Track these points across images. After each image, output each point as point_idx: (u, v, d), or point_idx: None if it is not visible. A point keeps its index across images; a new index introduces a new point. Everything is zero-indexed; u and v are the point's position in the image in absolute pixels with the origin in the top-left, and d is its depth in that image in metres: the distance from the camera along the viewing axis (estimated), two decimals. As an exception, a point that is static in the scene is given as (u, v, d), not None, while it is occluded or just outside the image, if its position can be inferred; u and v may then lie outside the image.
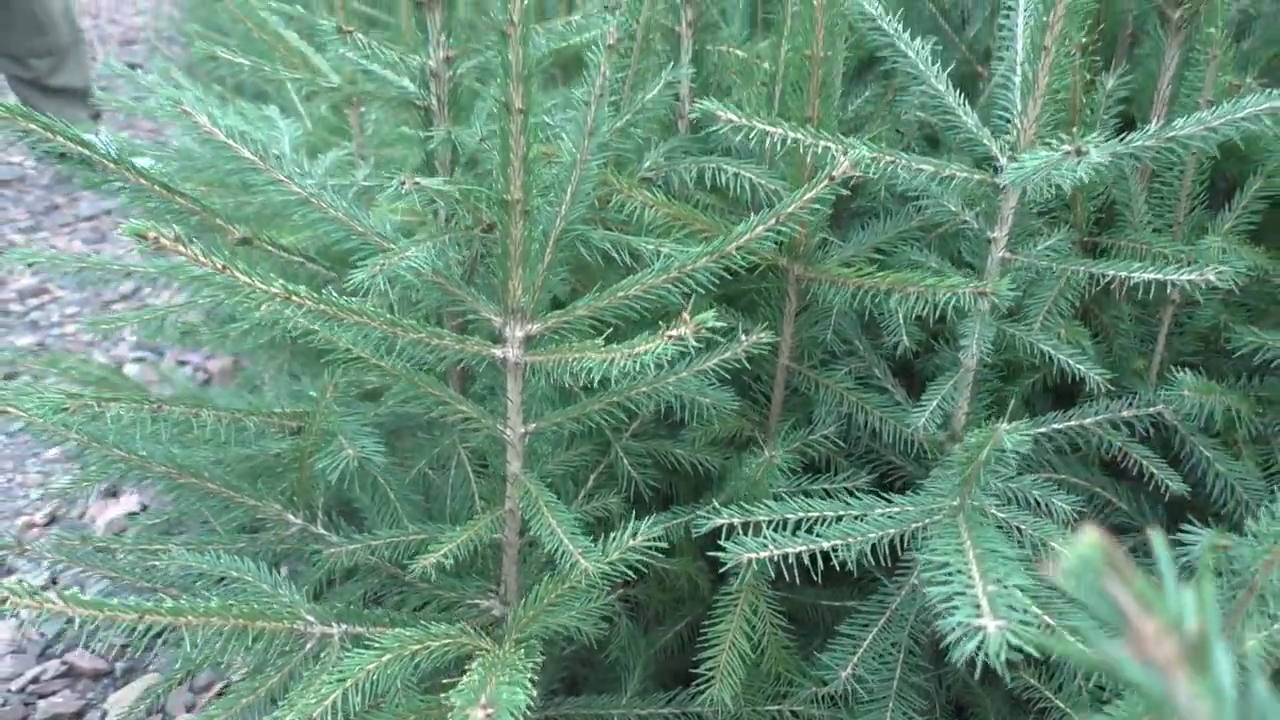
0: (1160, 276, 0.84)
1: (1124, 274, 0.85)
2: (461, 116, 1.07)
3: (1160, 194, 1.11)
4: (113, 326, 1.39)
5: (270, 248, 1.02)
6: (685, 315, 0.67)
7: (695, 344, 0.68)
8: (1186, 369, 1.02)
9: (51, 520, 2.14)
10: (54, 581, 1.95)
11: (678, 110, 1.17)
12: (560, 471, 1.04)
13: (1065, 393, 1.17)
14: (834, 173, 0.80)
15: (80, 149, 0.88)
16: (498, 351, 0.88)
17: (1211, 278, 0.82)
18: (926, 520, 0.81)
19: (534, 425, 0.94)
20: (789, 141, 0.84)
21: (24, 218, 3.58)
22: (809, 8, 0.93)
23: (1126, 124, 1.22)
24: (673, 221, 0.98)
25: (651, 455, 1.09)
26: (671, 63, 1.05)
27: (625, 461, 1.07)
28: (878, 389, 1.08)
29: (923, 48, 0.98)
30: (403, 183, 0.77)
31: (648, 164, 1.06)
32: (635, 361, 0.71)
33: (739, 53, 1.13)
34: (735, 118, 0.83)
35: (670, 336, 0.68)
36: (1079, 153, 0.65)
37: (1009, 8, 1.04)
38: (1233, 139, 0.86)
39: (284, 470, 1.05)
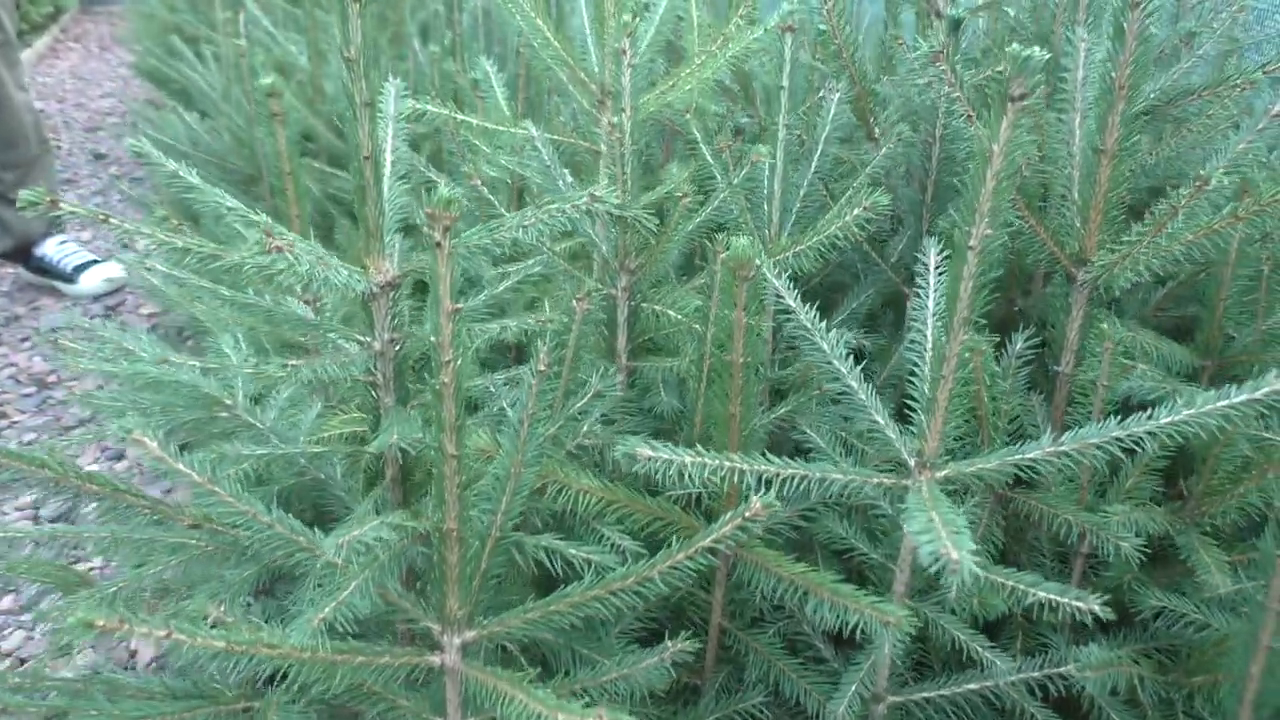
0: (1047, 597, 0.90)
1: (1021, 587, 0.92)
2: (405, 381, 1.12)
3: (1071, 417, 1.18)
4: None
5: (219, 528, 1.06)
6: (602, 711, 0.72)
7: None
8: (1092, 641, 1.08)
9: (22, 663, 2.15)
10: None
11: (617, 362, 1.23)
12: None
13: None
14: (746, 514, 0.86)
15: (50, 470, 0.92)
16: (435, 659, 0.93)
17: (1095, 609, 0.88)
18: (840, 832, 0.87)
19: None
20: (708, 470, 0.90)
21: (-17, 329, 3.59)
22: (728, 302, 0.99)
23: (1040, 363, 1.29)
24: (607, 506, 1.04)
25: (590, 710, 1.13)
26: (603, 369, 1.11)
27: None
28: (806, 646, 1.13)
29: (836, 343, 1.04)
30: (341, 544, 0.82)
31: (585, 430, 1.12)
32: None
33: (672, 314, 1.20)
34: (654, 454, 0.89)
35: (590, 714, 0.73)
36: (953, 570, 0.71)
37: (920, 289, 1.11)
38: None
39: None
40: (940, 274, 1.12)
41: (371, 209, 1.05)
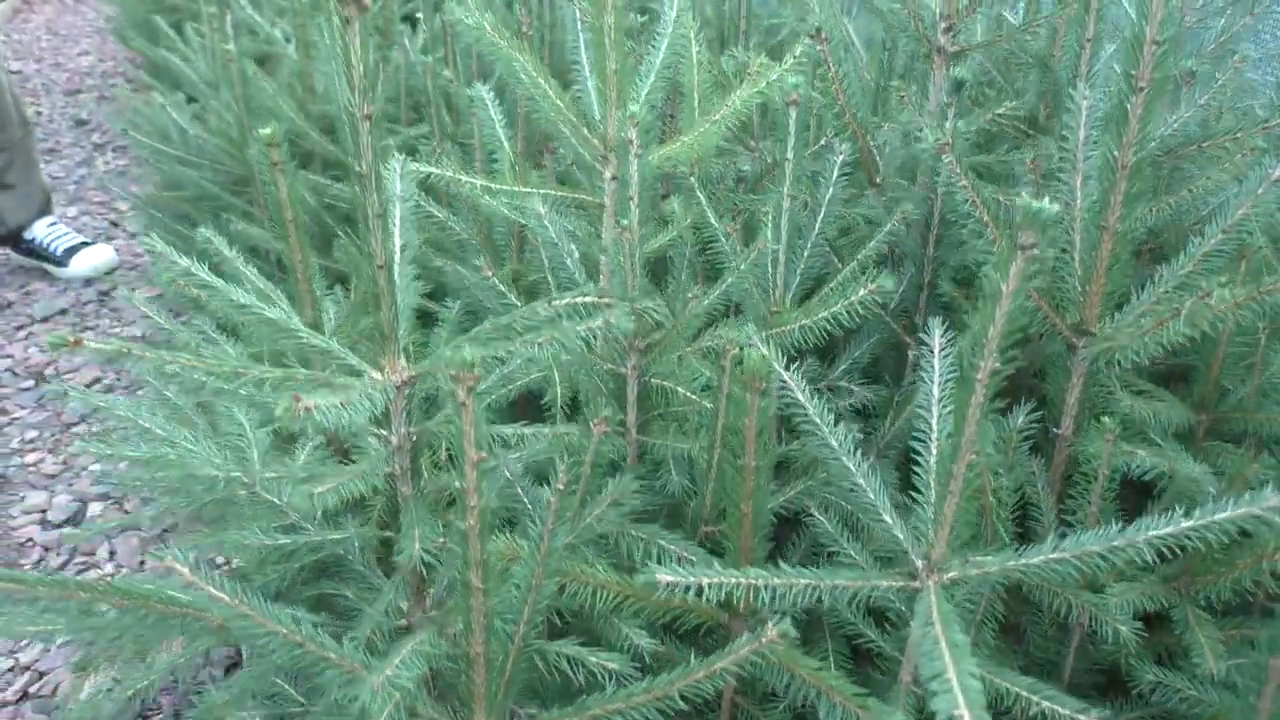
0: (1051, 707, 0.94)
1: (1025, 694, 0.96)
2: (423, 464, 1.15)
3: (1072, 499, 1.21)
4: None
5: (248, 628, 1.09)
6: None
7: None
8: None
9: (24, 696, 2.19)
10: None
11: (627, 436, 1.26)
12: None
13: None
14: (763, 639, 0.89)
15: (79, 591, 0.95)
16: (464, 768, 0.97)
17: (1096, 723, 0.93)
18: None
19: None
20: (725, 589, 0.93)
21: (-24, 317, 3.56)
22: (739, 411, 1.02)
23: (1043, 433, 1.31)
24: (623, 600, 1.07)
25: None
26: (618, 475, 1.13)
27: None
28: None
29: (845, 438, 1.07)
30: (375, 686, 0.85)
31: (596, 513, 1.15)
32: None
33: (682, 390, 1.22)
34: (675, 578, 0.92)
35: None
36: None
37: (924, 373, 1.13)
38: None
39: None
40: (945, 356, 1.14)
41: (386, 313, 1.06)
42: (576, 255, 1.23)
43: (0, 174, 3.67)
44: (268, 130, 1.46)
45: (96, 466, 2.87)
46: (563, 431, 1.07)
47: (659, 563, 1.12)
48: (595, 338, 0.94)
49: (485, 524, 0.86)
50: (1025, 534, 1.26)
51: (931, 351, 1.14)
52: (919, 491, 1.05)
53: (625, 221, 1.08)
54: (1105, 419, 1.10)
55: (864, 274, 1.17)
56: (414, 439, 1.12)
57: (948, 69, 1.57)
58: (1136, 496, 1.28)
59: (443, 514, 1.29)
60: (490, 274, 1.34)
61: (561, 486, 0.95)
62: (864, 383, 1.47)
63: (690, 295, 1.16)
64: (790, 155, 1.24)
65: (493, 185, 1.38)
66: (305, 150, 2.62)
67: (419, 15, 3.22)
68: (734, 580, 0.94)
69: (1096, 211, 1.19)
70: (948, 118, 1.36)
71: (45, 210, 3.85)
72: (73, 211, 4.37)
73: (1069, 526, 1.22)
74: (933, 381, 1.12)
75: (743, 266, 1.18)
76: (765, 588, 0.95)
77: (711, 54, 1.63)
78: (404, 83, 2.77)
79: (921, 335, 1.17)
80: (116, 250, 3.93)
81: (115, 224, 4.30)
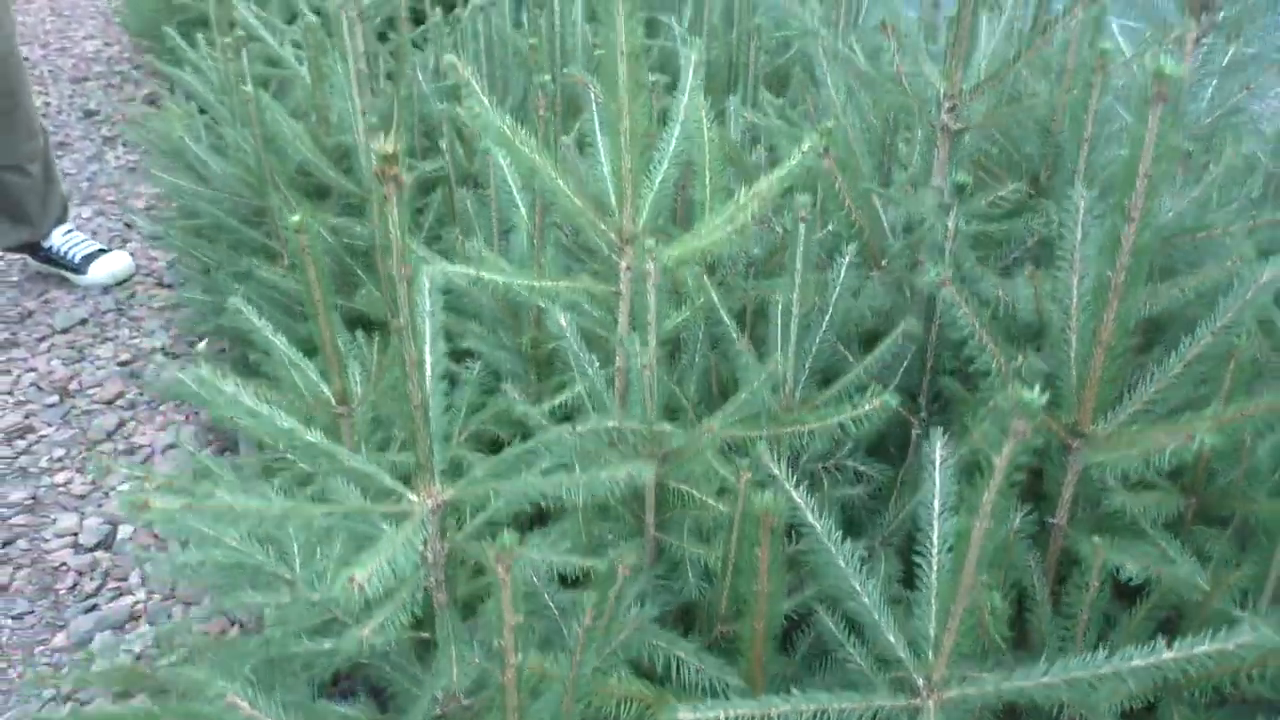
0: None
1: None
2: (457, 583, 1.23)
3: (1067, 594, 1.29)
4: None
5: None
6: None
7: None
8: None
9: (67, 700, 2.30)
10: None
11: (646, 533, 1.34)
12: None
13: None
14: (779, 772, 0.98)
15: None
16: None
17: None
18: None
19: None
20: (747, 721, 1.02)
21: (-1, 327, 3.62)
22: (753, 538, 1.09)
23: (1040, 521, 1.39)
24: (645, 706, 1.16)
25: None
26: (642, 603, 1.21)
27: None
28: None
29: (852, 554, 1.15)
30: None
31: (621, 637, 1.23)
32: None
33: (697, 494, 1.29)
34: (696, 716, 1.00)
35: None
36: None
37: (928, 486, 1.20)
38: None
39: None
40: (946, 467, 1.21)
41: (422, 445, 1.13)
42: (598, 366, 1.30)
43: (42, 182, 3.72)
44: (296, 218, 1.53)
45: (125, 487, 2.96)
46: (589, 565, 1.15)
47: (676, 669, 1.21)
48: (619, 487, 1.02)
49: (523, 682, 0.94)
50: (1023, 626, 1.34)
51: (933, 464, 1.21)
52: (920, 606, 1.13)
53: (645, 360, 1.15)
54: (1096, 540, 1.17)
55: (870, 387, 1.25)
56: (447, 552, 1.20)
57: (951, 146, 1.62)
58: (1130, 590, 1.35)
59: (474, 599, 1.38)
60: (516, 394, 1.41)
61: (589, 622, 1.03)
62: (869, 460, 1.54)
63: (705, 428, 1.23)
64: (799, 266, 1.30)
65: (514, 282, 1.44)
66: (320, 184, 2.67)
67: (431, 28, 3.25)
68: (750, 713, 1.03)
69: (1090, 314, 1.25)
70: (949, 215, 1.42)
71: (62, 218, 3.90)
72: (87, 212, 4.41)
73: (1064, 619, 1.30)
74: (934, 495, 1.20)
75: (757, 385, 1.25)
76: (778, 717, 1.04)
77: (722, 132, 1.68)
78: (416, 110, 2.81)
79: (924, 415, 1.24)
80: (132, 254, 3.98)
81: (130, 225, 4.34)
